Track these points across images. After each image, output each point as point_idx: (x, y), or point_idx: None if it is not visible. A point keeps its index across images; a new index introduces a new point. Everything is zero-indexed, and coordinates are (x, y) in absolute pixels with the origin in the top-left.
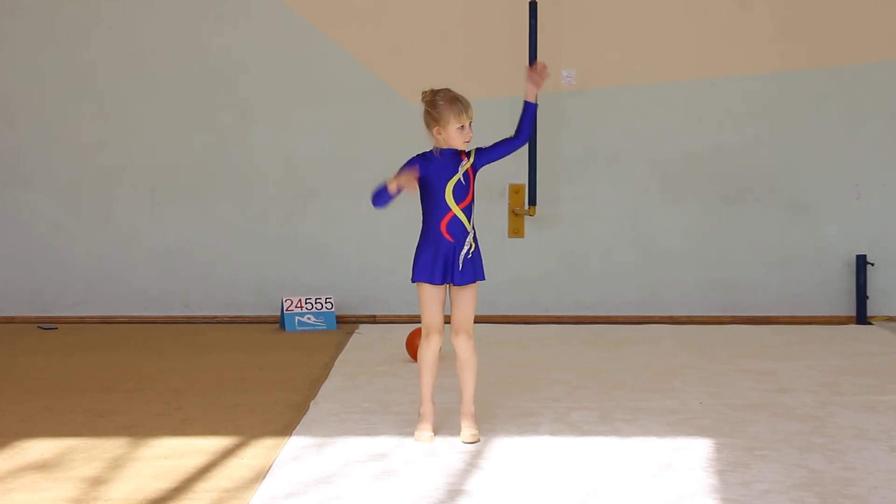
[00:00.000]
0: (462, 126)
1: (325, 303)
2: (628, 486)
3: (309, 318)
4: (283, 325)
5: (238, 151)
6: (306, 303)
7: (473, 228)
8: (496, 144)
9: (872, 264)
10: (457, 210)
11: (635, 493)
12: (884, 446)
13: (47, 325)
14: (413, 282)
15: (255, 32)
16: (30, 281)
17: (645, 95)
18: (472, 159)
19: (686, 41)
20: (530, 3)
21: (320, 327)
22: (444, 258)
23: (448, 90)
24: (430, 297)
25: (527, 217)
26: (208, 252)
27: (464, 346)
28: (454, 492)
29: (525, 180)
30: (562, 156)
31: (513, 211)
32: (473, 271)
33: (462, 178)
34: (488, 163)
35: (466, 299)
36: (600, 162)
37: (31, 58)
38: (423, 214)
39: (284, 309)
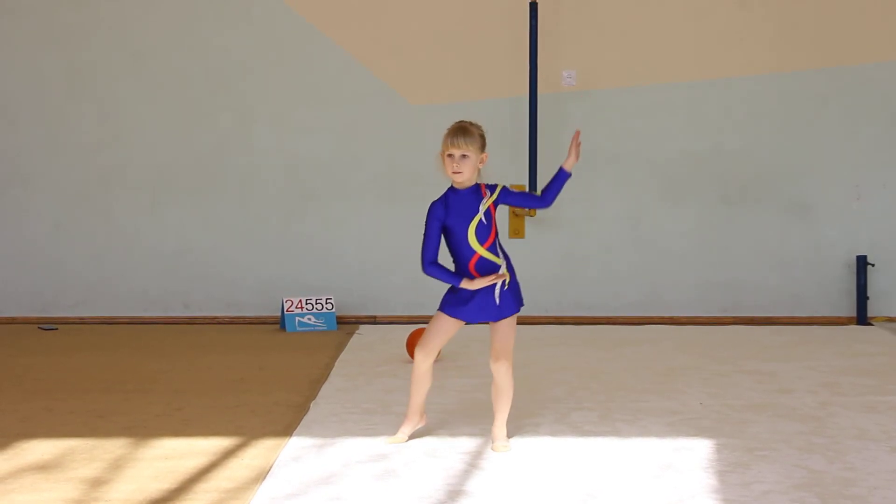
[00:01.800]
0: (451, 155)
1: (326, 303)
2: (629, 486)
3: (309, 319)
4: (283, 326)
5: (238, 152)
6: (307, 303)
7: (505, 257)
8: (523, 194)
9: (873, 265)
10: (482, 251)
11: (636, 494)
12: (884, 447)
13: (48, 325)
14: (439, 310)
15: (256, 33)
16: (30, 281)
17: (645, 96)
18: (495, 195)
19: (686, 42)
20: (530, 3)
21: (320, 328)
22: (478, 296)
23: (465, 122)
24: (446, 329)
25: (527, 218)
26: (209, 253)
27: (504, 373)
28: (454, 492)
29: (525, 181)
30: (562, 156)
31: (513, 212)
32: (513, 302)
33: (484, 218)
34: (507, 205)
35: (506, 328)
36: (600, 163)
37: (32, 58)
38: (451, 256)
39: (285, 309)
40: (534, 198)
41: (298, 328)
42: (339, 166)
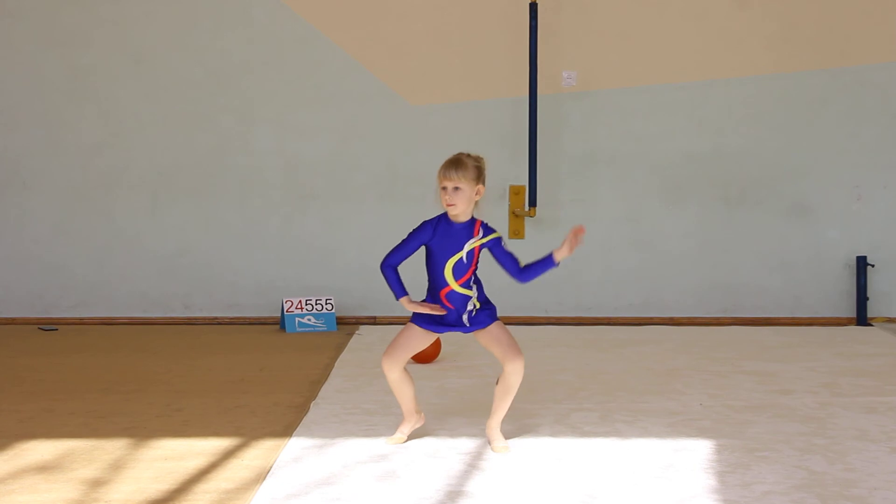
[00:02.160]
0: (444, 188)
1: (326, 304)
2: (629, 487)
3: (309, 320)
4: (283, 327)
5: (239, 153)
6: (306, 304)
7: (479, 288)
8: (509, 257)
9: (873, 266)
10: (455, 286)
11: (636, 495)
12: (884, 447)
13: (48, 326)
14: (410, 321)
15: (256, 35)
16: (31, 282)
17: (645, 97)
18: (485, 240)
19: (686, 43)
20: (530, 4)
21: (320, 328)
22: (448, 314)
23: (463, 154)
24: (415, 340)
25: (527, 218)
26: (209, 253)
27: (519, 371)
28: (454, 493)
29: (525, 182)
30: (562, 157)
31: (513, 212)
32: (485, 319)
33: (465, 257)
34: (491, 254)
35: (497, 333)
36: (600, 163)
37: (33, 61)
38: (427, 274)
39: (285, 310)
40: (516, 267)
41: (298, 329)
42: (339, 167)
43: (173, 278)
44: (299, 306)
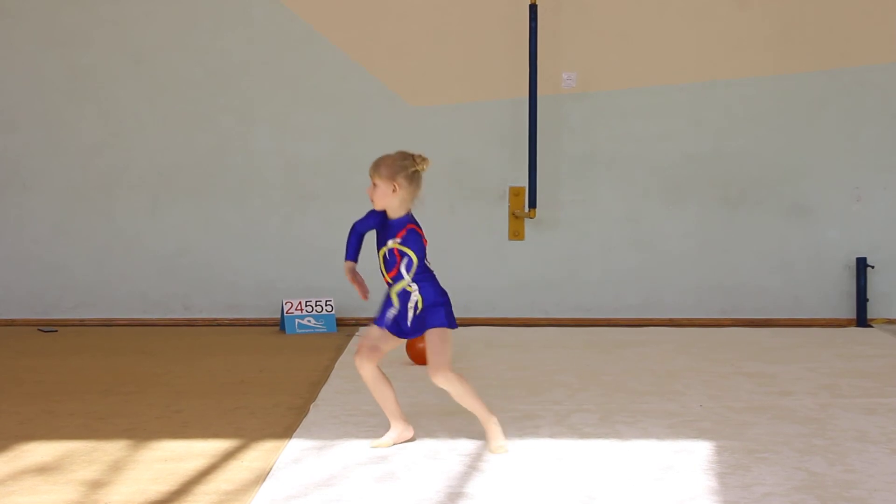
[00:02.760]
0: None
1: (326, 305)
2: (629, 488)
3: (309, 321)
4: (283, 328)
5: (239, 154)
6: (306, 305)
7: (424, 287)
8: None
9: (873, 267)
10: (387, 277)
11: (636, 496)
12: (884, 449)
13: (48, 327)
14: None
15: (256, 35)
16: (30, 283)
17: (645, 98)
18: (401, 248)
19: (686, 44)
20: (530, 5)
21: (320, 330)
22: (399, 311)
23: (396, 152)
24: (374, 335)
25: (527, 220)
26: (208, 254)
27: (444, 384)
28: (454, 495)
29: (525, 183)
30: (562, 158)
31: (513, 213)
32: (421, 325)
33: (387, 253)
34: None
35: (429, 342)
36: (600, 164)
37: (32, 61)
38: None
39: (285, 311)
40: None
41: (298, 330)
42: (339, 167)
43: (173, 279)
44: (299, 307)
